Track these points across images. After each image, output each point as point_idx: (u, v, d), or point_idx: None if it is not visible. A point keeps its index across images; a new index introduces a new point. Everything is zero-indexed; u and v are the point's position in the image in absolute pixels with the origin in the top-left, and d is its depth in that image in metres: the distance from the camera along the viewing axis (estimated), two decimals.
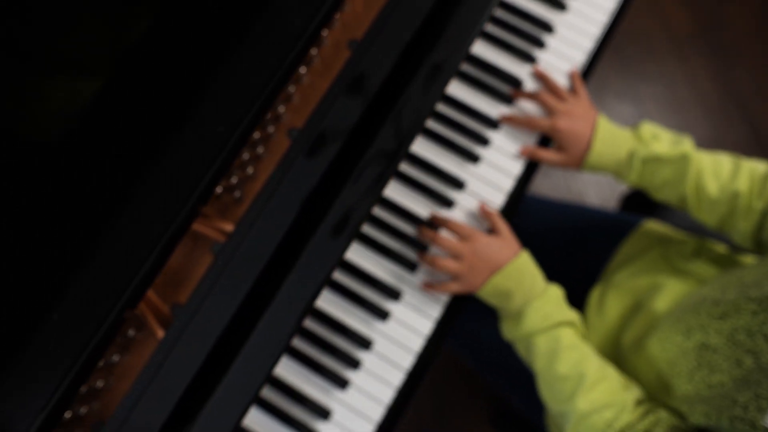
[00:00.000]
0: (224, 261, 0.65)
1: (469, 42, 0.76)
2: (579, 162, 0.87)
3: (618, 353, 0.84)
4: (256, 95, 0.63)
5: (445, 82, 0.75)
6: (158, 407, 0.62)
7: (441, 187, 0.85)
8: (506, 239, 0.81)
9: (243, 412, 0.63)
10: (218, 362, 0.64)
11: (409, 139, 0.72)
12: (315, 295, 0.66)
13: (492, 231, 0.83)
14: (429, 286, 0.80)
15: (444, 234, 0.83)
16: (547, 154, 0.86)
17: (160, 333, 0.66)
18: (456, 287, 0.80)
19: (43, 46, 0.58)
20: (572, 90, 0.90)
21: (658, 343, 0.75)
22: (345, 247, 0.68)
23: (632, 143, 0.84)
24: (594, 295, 0.90)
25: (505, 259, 0.79)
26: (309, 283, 0.65)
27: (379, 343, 0.79)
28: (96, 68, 0.59)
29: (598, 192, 1.70)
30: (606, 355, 0.86)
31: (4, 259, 0.55)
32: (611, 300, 0.88)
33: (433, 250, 0.82)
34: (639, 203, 1.12)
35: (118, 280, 0.59)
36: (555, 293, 0.78)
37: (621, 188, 1.69)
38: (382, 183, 0.70)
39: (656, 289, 0.83)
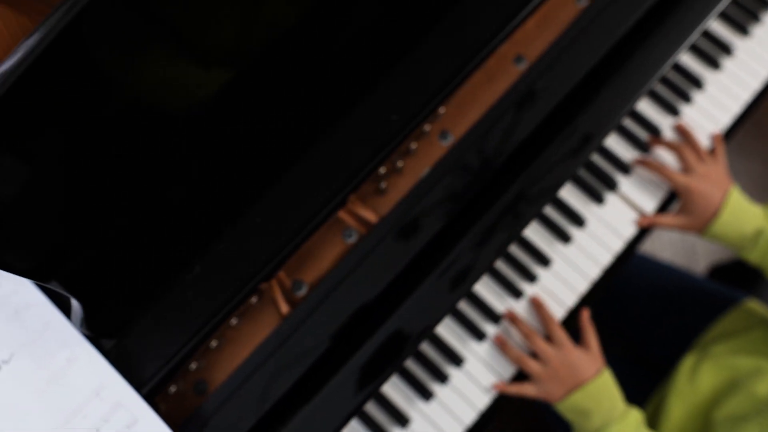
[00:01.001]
0: (361, 255, 0.64)
1: (629, 105, 0.76)
2: (702, 228, 0.85)
3: (707, 426, 0.82)
4: (435, 91, 0.62)
5: (595, 145, 0.74)
6: (270, 388, 0.60)
7: (545, 242, 0.83)
8: (594, 354, 0.80)
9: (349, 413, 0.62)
10: (334, 355, 0.63)
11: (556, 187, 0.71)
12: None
13: (581, 341, 0.82)
14: (501, 386, 0.78)
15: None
16: (668, 219, 0.85)
17: (283, 306, 0.65)
18: (532, 391, 0.78)
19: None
20: (712, 152, 0.88)
21: (758, 428, 0.73)
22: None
23: (762, 221, 0.82)
24: (687, 363, 0.88)
25: (589, 376, 0.77)
26: (439, 304, 0.64)
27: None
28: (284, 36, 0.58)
29: (674, 252, 1.67)
30: (692, 424, 0.84)
31: (167, 209, 0.54)
32: (706, 372, 0.86)
33: (512, 337, 0.81)
34: (732, 276, 1.10)
35: (264, 250, 0.58)
36: (634, 418, 0.77)
37: (698, 253, 1.65)
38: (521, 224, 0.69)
39: (760, 373, 0.81)
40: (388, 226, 0.64)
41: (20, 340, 0.55)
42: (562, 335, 0.79)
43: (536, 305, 0.80)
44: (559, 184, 0.74)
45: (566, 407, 0.78)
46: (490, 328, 0.78)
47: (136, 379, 0.55)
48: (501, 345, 0.78)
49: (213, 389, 0.65)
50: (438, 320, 0.68)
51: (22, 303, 0.55)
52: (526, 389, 0.78)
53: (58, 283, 0.45)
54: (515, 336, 0.79)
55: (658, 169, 0.85)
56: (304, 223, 0.58)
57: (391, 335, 0.65)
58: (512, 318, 0.79)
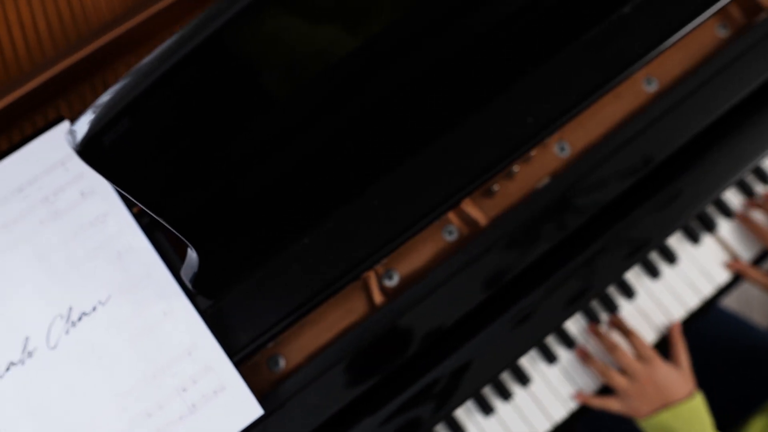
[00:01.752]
0: (464, 260, 0.61)
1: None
2: None
3: None
4: (575, 101, 0.59)
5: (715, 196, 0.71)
6: (350, 383, 0.58)
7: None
8: (685, 373, 0.76)
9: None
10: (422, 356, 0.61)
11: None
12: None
13: (670, 356, 0.79)
14: (583, 397, 0.75)
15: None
16: (759, 275, 0.81)
17: (377, 296, 0.63)
18: (617, 407, 0.74)
19: None
20: None
21: None
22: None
23: None
24: (756, 425, 0.85)
25: (679, 395, 0.74)
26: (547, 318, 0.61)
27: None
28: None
29: (753, 309, 1.62)
30: None
31: (294, 176, 0.51)
32: None
33: (596, 352, 0.78)
34: None
35: (376, 235, 0.56)
36: None
37: None
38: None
39: None
40: (496, 234, 0.61)
41: (119, 283, 0.53)
42: (649, 350, 0.76)
43: (617, 324, 0.77)
44: (668, 233, 0.71)
45: (652, 425, 0.74)
46: (563, 353, 0.75)
47: (227, 346, 0.53)
48: (583, 357, 0.75)
49: (288, 367, 0.63)
50: (527, 347, 0.65)
51: (126, 246, 0.54)
52: (611, 404, 0.74)
53: (187, 229, 0.42)
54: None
55: (756, 229, 0.81)
56: (421, 215, 0.56)
57: (477, 353, 0.63)
58: (595, 332, 0.76)
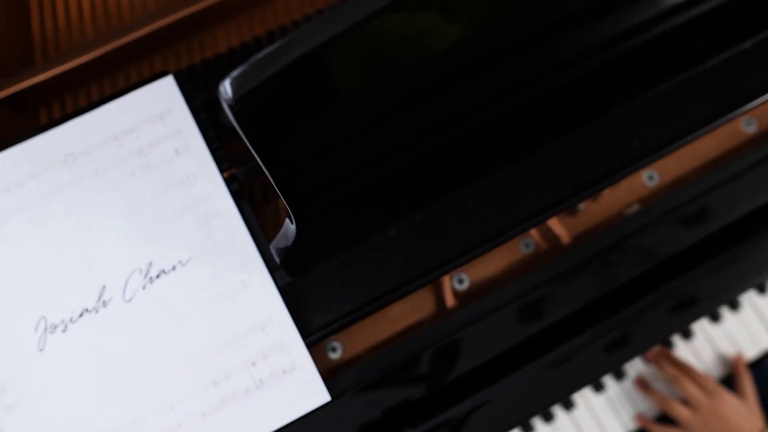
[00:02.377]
0: (544, 277, 0.59)
1: None
2: None
3: None
4: (685, 130, 0.57)
5: None
6: (412, 384, 0.57)
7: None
8: (752, 407, 0.73)
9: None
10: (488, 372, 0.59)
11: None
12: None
13: (735, 389, 0.76)
14: (645, 422, 0.72)
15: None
16: None
17: (450, 298, 0.61)
18: None
19: None
20: None
21: None
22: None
23: None
24: None
25: (747, 431, 0.71)
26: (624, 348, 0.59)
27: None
28: None
29: None
30: None
31: (396, 165, 0.50)
32: None
33: (655, 384, 0.75)
34: None
35: (464, 237, 0.54)
36: None
37: None
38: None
39: None
40: (579, 257, 0.59)
41: (202, 246, 0.52)
42: (713, 382, 0.73)
43: (672, 360, 0.75)
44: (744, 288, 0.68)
45: None
46: (611, 383, 0.73)
47: (300, 327, 0.52)
48: (642, 387, 0.73)
49: (345, 356, 0.62)
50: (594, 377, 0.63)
51: (213, 210, 0.53)
52: None
53: (298, 201, 0.41)
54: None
55: None
56: (511, 225, 0.54)
57: (540, 378, 0.61)
58: (657, 359, 0.73)
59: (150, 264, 0.52)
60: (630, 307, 0.61)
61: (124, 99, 0.55)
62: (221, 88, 0.30)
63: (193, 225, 0.53)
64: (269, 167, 0.35)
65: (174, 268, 0.52)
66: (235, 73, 0.29)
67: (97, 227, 0.53)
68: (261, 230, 0.54)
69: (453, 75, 0.43)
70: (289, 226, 0.44)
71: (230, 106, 0.30)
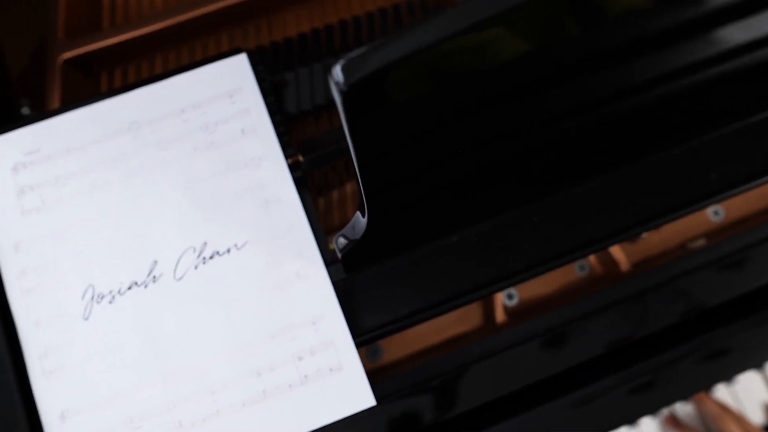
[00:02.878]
0: (600, 304, 0.57)
1: None
2: None
3: None
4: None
5: None
6: (456, 399, 0.55)
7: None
8: None
9: None
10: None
11: None
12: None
13: None
14: None
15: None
16: None
17: (500, 313, 0.60)
18: None
19: None
20: None
21: None
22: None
23: None
24: None
25: None
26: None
27: None
28: None
29: None
30: None
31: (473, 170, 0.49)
32: None
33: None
34: None
35: (526, 253, 0.52)
36: None
37: None
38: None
39: None
40: (639, 286, 0.57)
41: (260, 232, 0.51)
42: (755, 426, 0.68)
43: (714, 399, 0.72)
44: None
45: None
46: (646, 419, 0.70)
47: (351, 326, 0.50)
48: (673, 425, 0.70)
49: (386, 360, 0.60)
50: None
51: (275, 196, 0.51)
52: None
53: (380, 196, 0.40)
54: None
55: None
56: (576, 246, 0.52)
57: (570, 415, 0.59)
58: (700, 399, 0.69)
59: (205, 244, 0.51)
60: (678, 348, 0.59)
61: (195, 73, 0.54)
62: (334, 69, 0.29)
63: (253, 209, 0.51)
64: (361, 158, 0.33)
65: (229, 250, 0.51)
66: (352, 54, 0.27)
67: (154, 200, 0.52)
68: (318, 222, 0.53)
69: (545, 84, 0.42)
70: (360, 220, 0.42)
71: (341, 90, 0.28)
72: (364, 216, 0.41)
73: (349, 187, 0.62)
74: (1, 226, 0.51)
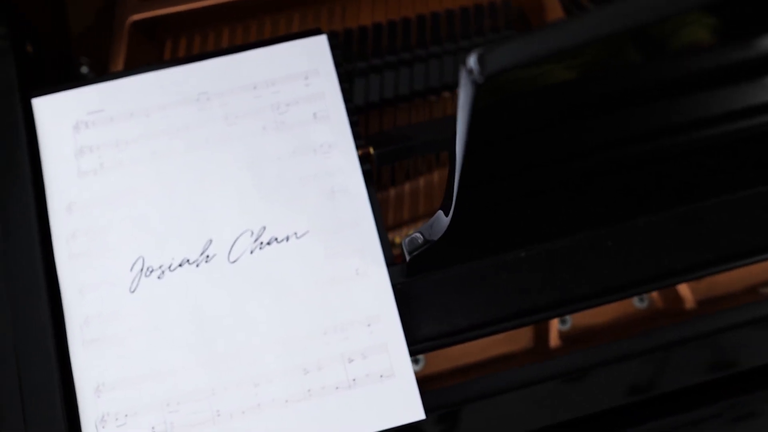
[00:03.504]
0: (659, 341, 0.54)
1: None
2: None
3: None
4: None
5: None
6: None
7: None
8: None
9: None
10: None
11: None
12: None
13: None
14: None
15: None
16: None
17: (554, 338, 0.57)
18: None
19: None
20: None
21: None
22: None
23: None
24: None
25: None
26: None
27: None
28: None
29: None
30: None
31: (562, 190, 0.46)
32: None
33: None
34: None
35: (595, 281, 0.50)
36: None
37: None
38: None
39: None
40: (703, 326, 0.54)
41: (322, 222, 0.48)
42: None
43: None
44: None
45: None
46: None
47: (405, 332, 0.48)
48: None
49: (426, 370, 0.58)
50: None
51: (342, 187, 0.49)
52: None
53: (472, 197, 0.37)
54: None
55: None
56: (649, 278, 0.50)
57: None
58: None
59: (263, 228, 0.48)
60: (745, 397, 0.56)
61: (270, 49, 0.52)
62: (470, 58, 0.26)
63: (317, 197, 0.49)
64: (470, 153, 0.31)
65: (288, 238, 0.48)
66: (497, 46, 0.25)
67: (215, 176, 0.49)
68: (382, 219, 0.50)
69: (675, 93, 0.39)
70: (441, 220, 0.39)
71: (474, 81, 0.26)
72: (447, 215, 0.39)
73: (408, 186, 0.60)
74: (56, 185, 0.49)
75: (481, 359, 0.59)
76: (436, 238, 0.41)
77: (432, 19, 0.63)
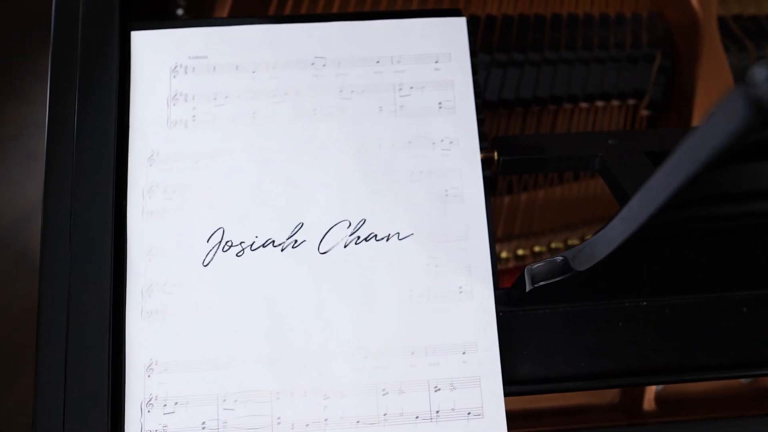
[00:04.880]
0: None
1: None
2: None
3: None
4: None
5: None
6: None
7: None
8: None
9: None
10: None
11: None
12: None
13: None
14: None
15: None
16: None
17: (649, 403, 0.51)
18: None
19: None
20: None
21: None
22: None
23: None
24: None
25: None
26: None
27: None
28: None
29: None
30: None
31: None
32: None
33: None
34: None
35: (726, 351, 0.44)
36: None
37: None
38: None
39: None
40: None
41: (429, 227, 0.42)
42: None
43: None
44: None
45: None
46: None
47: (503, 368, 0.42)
48: None
49: None
50: None
51: (457, 191, 0.43)
52: None
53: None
54: None
55: None
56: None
57: None
58: None
59: (363, 222, 0.43)
60: None
61: (401, 23, 0.46)
62: (756, 70, 0.20)
63: (428, 198, 0.43)
64: (694, 181, 0.25)
65: (388, 237, 0.42)
66: None
67: (318, 152, 0.44)
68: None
69: None
70: (601, 248, 0.33)
71: (759, 101, 0.20)
72: (609, 245, 0.32)
73: (525, 197, 0.54)
74: (140, 130, 0.44)
75: (557, 406, 0.53)
76: (583, 268, 0.35)
77: (568, 20, 0.57)
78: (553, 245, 0.55)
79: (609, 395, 0.52)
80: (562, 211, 0.54)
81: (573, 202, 0.55)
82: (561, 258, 0.36)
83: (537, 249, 0.55)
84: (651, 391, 0.50)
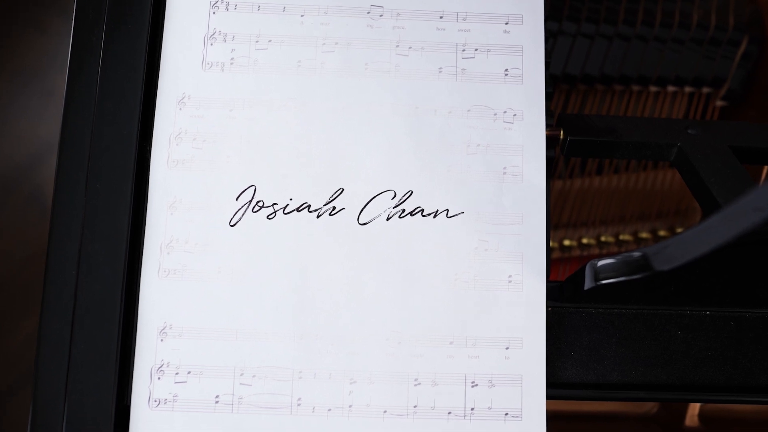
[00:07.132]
0: None
1: None
2: None
3: None
4: None
5: None
6: None
7: None
8: None
9: None
10: None
11: None
12: None
13: None
14: None
15: None
16: None
17: (692, 419, 0.47)
18: None
19: None
20: None
21: None
22: None
23: None
24: None
25: None
26: None
27: None
28: None
29: None
30: None
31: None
32: None
33: None
34: None
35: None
36: None
37: None
38: None
39: None
40: None
41: (482, 207, 0.38)
42: None
43: None
44: None
45: None
46: None
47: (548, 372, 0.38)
48: None
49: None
50: None
51: (518, 170, 0.38)
52: None
53: None
54: None
55: None
56: None
57: None
58: None
59: (409, 193, 0.39)
60: None
61: None
62: None
63: (483, 174, 0.39)
64: None
65: (436, 213, 0.39)
66: None
67: (365, 113, 0.39)
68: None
69: None
70: (699, 245, 0.29)
71: None
72: (710, 242, 0.28)
73: (597, 182, 0.49)
74: (172, 69, 0.39)
75: (587, 411, 0.50)
76: (666, 268, 0.31)
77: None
78: (603, 238, 0.51)
79: (647, 405, 0.49)
80: (617, 203, 0.50)
81: (629, 194, 0.51)
82: (639, 254, 0.32)
83: (585, 241, 0.51)
84: (696, 406, 0.47)
